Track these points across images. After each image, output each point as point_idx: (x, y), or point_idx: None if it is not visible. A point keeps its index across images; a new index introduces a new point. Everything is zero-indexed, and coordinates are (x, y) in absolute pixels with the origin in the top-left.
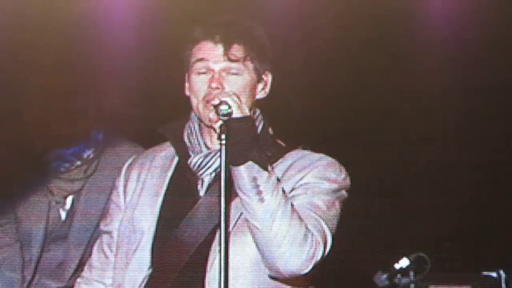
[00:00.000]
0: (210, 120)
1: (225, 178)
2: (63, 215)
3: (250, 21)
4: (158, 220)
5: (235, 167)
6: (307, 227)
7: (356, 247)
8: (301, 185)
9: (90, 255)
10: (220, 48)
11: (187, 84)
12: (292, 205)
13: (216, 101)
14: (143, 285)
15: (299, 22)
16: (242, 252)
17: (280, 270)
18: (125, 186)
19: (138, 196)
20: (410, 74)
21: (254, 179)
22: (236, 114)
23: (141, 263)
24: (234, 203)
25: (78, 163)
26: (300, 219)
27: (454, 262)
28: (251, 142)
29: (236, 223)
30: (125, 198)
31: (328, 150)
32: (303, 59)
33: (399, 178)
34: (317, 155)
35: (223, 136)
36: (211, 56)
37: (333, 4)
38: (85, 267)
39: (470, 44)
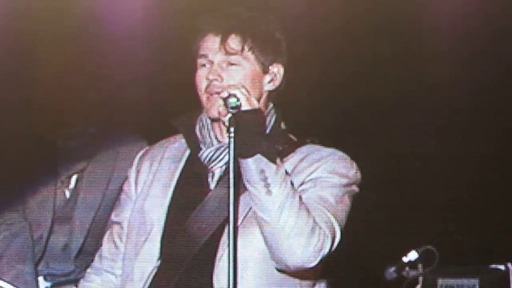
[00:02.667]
0: (219, 113)
1: (234, 171)
2: (67, 194)
3: (257, 12)
4: (168, 212)
5: (243, 160)
6: (315, 220)
7: (365, 240)
8: (311, 179)
9: (96, 239)
10: (218, 40)
11: None
12: (300, 198)
13: (225, 94)
14: (151, 276)
15: (308, 14)
16: (251, 245)
17: (287, 262)
18: (136, 177)
19: (148, 187)
20: (420, 65)
21: (262, 171)
22: (245, 106)
23: (150, 254)
24: (244, 196)
25: (85, 140)
26: (308, 212)
27: (462, 255)
28: (260, 135)
29: (246, 216)
30: (136, 189)
31: (338, 143)
32: (312, 51)
33: (407, 171)
34: (328, 150)
35: (231, 129)
36: (210, 48)
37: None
38: (96, 257)
39: (478, 34)
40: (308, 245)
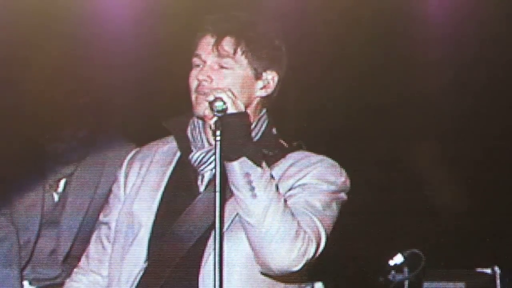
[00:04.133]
0: (205, 116)
1: (220, 174)
2: (56, 198)
3: (258, 17)
4: (156, 214)
5: (229, 163)
6: (299, 224)
7: (351, 243)
8: (299, 184)
9: (84, 243)
10: (212, 41)
11: None
12: (285, 202)
13: (211, 98)
14: (138, 278)
15: (302, 20)
16: (238, 249)
17: (271, 266)
18: (125, 178)
19: (137, 189)
20: (412, 72)
21: (247, 174)
22: (231, 110)
23: (137, 256)
24: (232, 200)
25: (74, 143)
26: (293, 216)
27: (448, 259)
28: (245, 138)
29: (233, 220)
30: (125, 190)
31: (327, 147)
32: (305, 57)
33: (394, 176)
34: (318, 157)
35: (217, 133)
36: (205, 48)
37: (334, 2)
38: (82, 257)
39: (469, 41)
40: (292, 249)
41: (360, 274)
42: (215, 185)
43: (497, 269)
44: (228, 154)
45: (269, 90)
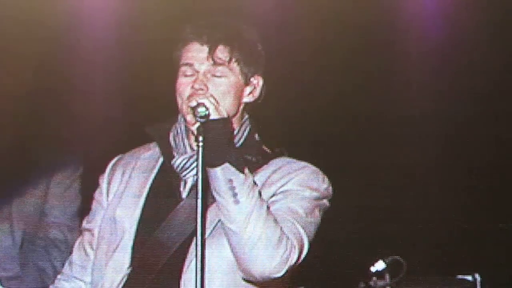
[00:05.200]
0: (188, 122)
1: (202, 180)
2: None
3: (241, 23)
4: (139, 221)
5: (211, 169)
6: (282, 230)
7: (333, 250)
8: (282, 191)
9: (69, 252)
10: (205, 49)
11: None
12: (268, 208)
13: (194, 103)
14: (121, 284)
15: (289, 26)
16: (220, 255)
17: (253, 272)
18: (108, 185)
19: (120, 195)
20: (401, 78)
21: (230, 181)
22: (214, 116)
23: (120, 262)
24: (214, 207)
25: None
26: (276, 222)
27: (429, 266)
28: (228, 144)
29: (215, 226)
30: (107, 196)
31: (311, 154)
32: (292, 63)
33: (377, 182)
34: (301, 163)
35: (200, 138)
36: (196, 58)
37: (321, 10)
38: (66, 264)
39: (462, 48)
40: (275, 255)
41: (342, 280)
42: (197, 191)
43: (477, 276)
44: (210, 160)
45: (256, 95)
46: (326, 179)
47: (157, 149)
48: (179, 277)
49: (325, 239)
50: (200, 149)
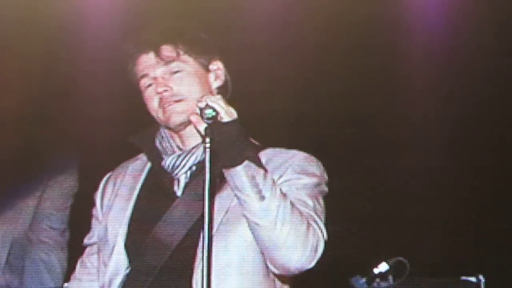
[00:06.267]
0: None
1: (209, 181)
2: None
3: (171, 21)
4: (130, 222)
5: (232, 168)
6: (308, 221)
7: (336, 250)
8: (282, 182)
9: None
10: (151, 55)
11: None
12: (291, 201)
13: (202, 104)
14: (121, 285)
15: (291, 26)
16: (229, 250)
17: (287, 266)
18: (102, 200)
19: (111, 204)
20: (403, 79)
21: (253, 177)
22: (225, 118)
23: (118, 265)
24: (217, 204)
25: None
26: (301, 213)
27: (433, 267)
28: (244, 142)
29: (220, 223)
30: (101, 210)
31: (316, 155)
32: (294, 64)
33: (379, 183)
34: (291, 152)
35: (207, 140)
36: (148, 66)
37: (320, 10)
38: (71, 279)
39: (465, 48)
40: (306, 246)
41: (345, 282)
42: (203, 191)
43: (481, 277)
44: (228, 160)
45: (222, 78)
46: (320, 163)
47: (144, 158)
48: (191, 274)
49: (328, 240)
50: (207, 150)
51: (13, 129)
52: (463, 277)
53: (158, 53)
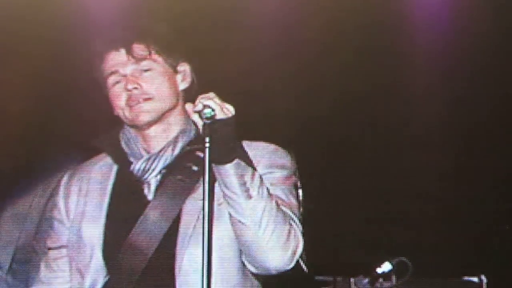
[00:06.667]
0: (144, 123)
1: (209, 181)
2: None
3: (143, 21)
4: (105, 230)
5: (221, 166)
6: (290, 222)
7: (338, 251)
8: None
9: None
10: (122, 52)
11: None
12: (276, 201)
13: (200, 107)
14: None
15: (294, 27)
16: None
17: (268, 266)
18: (66, 203)
19: (82, 210)
20: (400, 81)
21: (242, 176)
22: (220, 115)
23: (97, 273)
24: (190, 205)
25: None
26: (284, 214)
27: (435, 267)
28: (235, 141)
29: (195, 223)
30: (67, 214)
31: (319, 156)
32: (296, 65)
33: (382, 183)
34: (258, 144)
35: (207, 139)
36: (118, 63)
37: (319, 13)
38: (34, 283)
39: (468, 51)
40: (287, 248)
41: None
42: (203, 190)
43: (483, 278)
44: (219, 158)
45: (188, 80)
46: (288, 154)
47: (107, 159)
48: (173, 276)
49: (331, 241)
50: (207, 149)
51: (17, 128)
52: (465, 277)
53: (129, 51)
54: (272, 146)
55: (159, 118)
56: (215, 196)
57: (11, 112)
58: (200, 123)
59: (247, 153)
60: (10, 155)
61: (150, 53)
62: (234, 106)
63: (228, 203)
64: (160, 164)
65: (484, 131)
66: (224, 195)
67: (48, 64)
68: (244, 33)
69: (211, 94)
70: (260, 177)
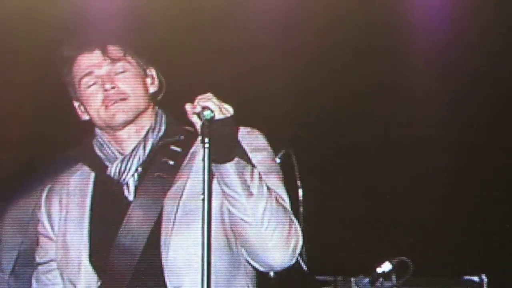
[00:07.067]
0: (119, 123)
1: (209, 181)
2: None
3: (121, 22)
4: (89, 236)
5: (221, 165)
6: (290, 218)
7: (339, 250)
8: None
9: (28, 260)
10: (97, 53)
11: (79, 109)
12: (276, 196)
13: (198, 108)
14: None
15: (293, 27)
16: (185, 245)
17: (271, 262)
18: (49, 217)
19: (64, 222)
20: (400, 81)
21: (242, 174)
22: (218, 115)
23: (88, 280)
24: (169, 204)
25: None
26: (285, 209)
27: (436, 267)
28: (235, 140)
29: (174, 220)
30: (52, 228)
31: (320, 157)
32: (296, 65)
33: (382, 184)
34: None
35: (206, 140)
36: (93, 65)
37: (318, 14)
38: None
39: (467, 51)
40: (289, 244)
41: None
42: (203, 190)
43: (484, 277)
44: (219, 157)
45: (156, 84)
46: (261, 133)
47: (84, 168)
48: (162, 276)
49: (331, 241)
50: (206, 150)
51: (18, 128)
52: (466, 277)
53: (105, 52)
54: (245, 129)
55: (134, 118)
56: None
57: (12, 114)
58: (199, 123)
59: (245, 151)
60: (12, 158)
61: (125, 54)
62: (233, 107)
63: (229, 201)
64: (135, 163)
65: (485, 131)
66: (225, 194)
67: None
68: (243, 33)
69: (209, 95)
70: (259, 174)
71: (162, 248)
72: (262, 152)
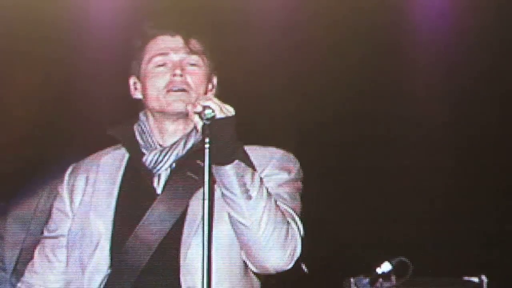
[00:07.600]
0: (174, 112)
1: (209, 182)
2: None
3: (200, 20)
4: (114, 221)
5: (221, 167)
6: (289, 222)
7: (339, 250)
8: (263, 177)
9: (30, 258)
10: (179, 40)
11: (135, 86)
12: (275, 201)
13: (199, 108)
14: (102, 285)
15: (297, 27)
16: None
17: (267, 266)
18: (71, 193)
19: (89, 199)
20: (402, 80)
21: (242, 177)
22: (220, 115)
23: (99, 264)
24: (195, 205)
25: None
26: (283, 213)
27: (435, 267)
28: (235, 141)
29: (199, 223)
30: (71, 204)
31: (322, 156)
32: (300, 65)
33: (382, 183)
34: (269, 149)
35: (206, 140)
36: (171, 47)
37: (322, 15)
38: (26, 272)
39: (470, 51)
40: (286, 248)
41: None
42: (203, 191)
43: (484, 278)
44: (219, 158)
45: (213, 93)
46: (297, 160)
47: (118, 151)
48: (178, 276)
49: (331, 240)
50: (207, 150)
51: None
52: (466, 277)
53: (187, 41)
54: (281, 151)
55: (187, 113)
56: (216, 195)
57: (15, 113)
58: (200, 123)
59: (247, 154)
60: (15, 157)
61: (203, 52)
62: (236, 108)
63: (228, 203)
64: (172, 158)
65: (486, 131)
66: (224, 196)
67: (53, 65)
68: (247, 34)
69: (209, 96)
70: (260, 178)
71: (182, 248)
72: (290, 174)
